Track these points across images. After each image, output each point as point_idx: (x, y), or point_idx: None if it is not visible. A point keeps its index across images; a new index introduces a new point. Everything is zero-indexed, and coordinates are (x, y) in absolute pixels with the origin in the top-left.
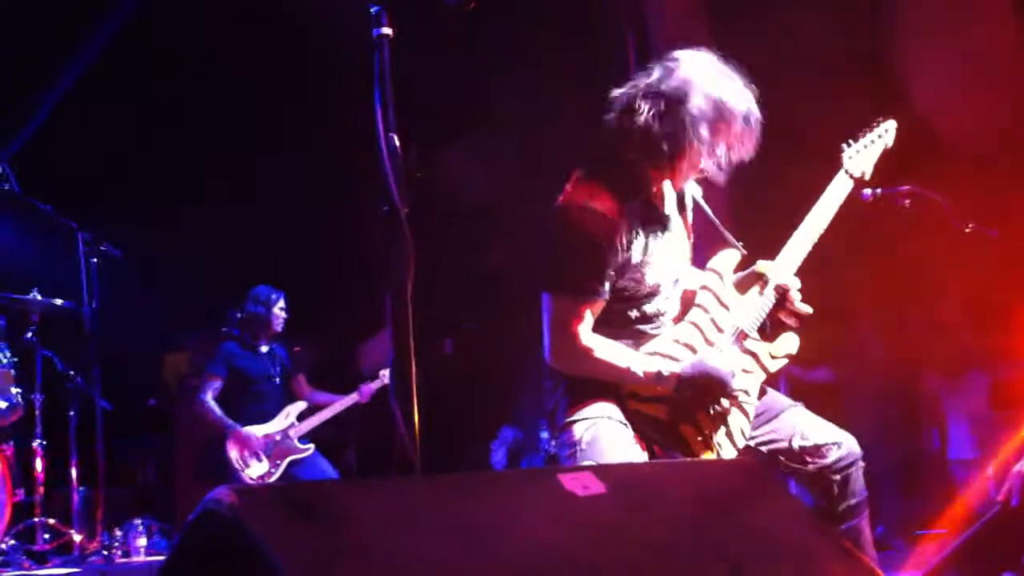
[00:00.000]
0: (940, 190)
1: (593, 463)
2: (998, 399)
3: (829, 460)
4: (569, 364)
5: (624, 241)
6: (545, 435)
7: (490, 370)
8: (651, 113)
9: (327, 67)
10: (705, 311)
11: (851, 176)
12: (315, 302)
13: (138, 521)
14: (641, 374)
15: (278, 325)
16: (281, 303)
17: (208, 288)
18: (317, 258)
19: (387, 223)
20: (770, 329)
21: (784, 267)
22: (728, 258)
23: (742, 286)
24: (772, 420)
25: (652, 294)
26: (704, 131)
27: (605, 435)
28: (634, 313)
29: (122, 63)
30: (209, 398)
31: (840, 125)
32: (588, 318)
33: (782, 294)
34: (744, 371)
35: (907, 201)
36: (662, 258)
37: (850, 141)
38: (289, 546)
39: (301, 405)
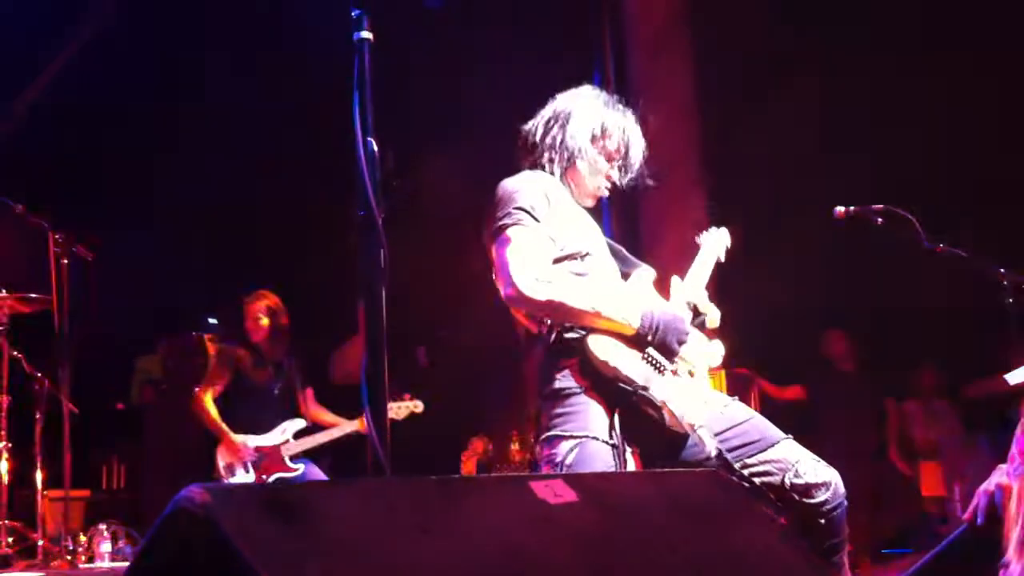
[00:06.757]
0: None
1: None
2: (965, 419)
3: (816, 501)
4: (523, 291)
5: (554, 196)
6: (515, 446)
7: (463, 381)
8: (541, 132)
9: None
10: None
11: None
12: (288, 308)
13: (103, 526)
14: (607, 309)
15: (254, 334)
16: (257, 308)
17: (181, 292)
18: (290, 263)
19: (363, 228)
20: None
21: (693, 287)
22: (647, 274)
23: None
24: (767, 450)
25: (588, 254)
26: (582, 144)
27: (590, 461)
28: (579, 268)
29: (99, 63)
30: (208, 398)
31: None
32: (529, 247)
33: (693, 310)
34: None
35: (880, 219)
36: (586, 228)
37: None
38: (263, 545)
39: (300, 423)
